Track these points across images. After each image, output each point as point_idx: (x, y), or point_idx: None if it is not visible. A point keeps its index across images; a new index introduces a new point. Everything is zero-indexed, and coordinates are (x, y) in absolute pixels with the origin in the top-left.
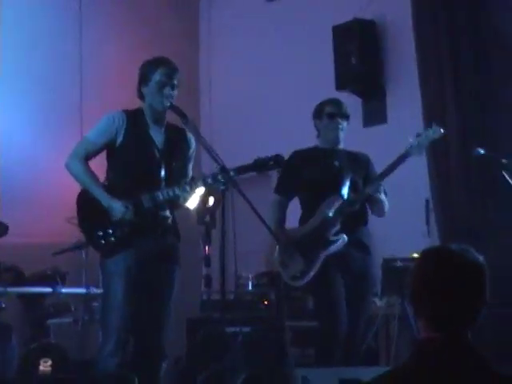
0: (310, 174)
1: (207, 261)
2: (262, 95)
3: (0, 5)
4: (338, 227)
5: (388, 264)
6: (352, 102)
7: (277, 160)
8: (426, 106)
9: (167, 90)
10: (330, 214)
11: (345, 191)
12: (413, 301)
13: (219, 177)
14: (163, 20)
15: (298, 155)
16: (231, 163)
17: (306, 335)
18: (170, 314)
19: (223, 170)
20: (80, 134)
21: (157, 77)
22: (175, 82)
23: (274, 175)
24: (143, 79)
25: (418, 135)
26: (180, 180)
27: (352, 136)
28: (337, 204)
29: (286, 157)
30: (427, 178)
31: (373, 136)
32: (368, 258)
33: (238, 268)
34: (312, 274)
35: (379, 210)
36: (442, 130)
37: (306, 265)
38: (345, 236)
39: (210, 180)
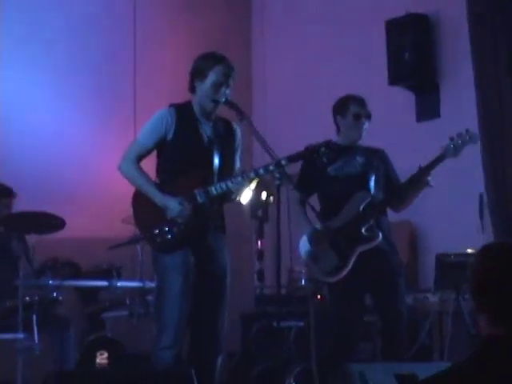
0: (334, 170)
1: (260, 255)
2: (314, 91)
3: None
4: (370, 223)
5: (441, 259)
6: (405, 97)
7: (328, 145)
8: (480, 100)
9: (223, 89)
10: (361, 210)
11: (371, 187)
12: (474, 297)
13: (271, 168)
14: (216, 12)
15: None
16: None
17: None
18: (225, 308)
19: (278, 164)
20: (134, 134)
21: (214, 75)
22: (231, 81)
23: None
24: (198, 74)
25: (454, 138)
26: (230, 172)
27: (405, 131)
28: (366, 200)
29: None
30: (481, 172)
31: (426, 131)
32: (393, 250)
33: (291, 262)
34: (347, 270)
35: (398, 209)
36: (478, 137)
37: (340, 260)
38: (379, 232)
39: (261, 171)
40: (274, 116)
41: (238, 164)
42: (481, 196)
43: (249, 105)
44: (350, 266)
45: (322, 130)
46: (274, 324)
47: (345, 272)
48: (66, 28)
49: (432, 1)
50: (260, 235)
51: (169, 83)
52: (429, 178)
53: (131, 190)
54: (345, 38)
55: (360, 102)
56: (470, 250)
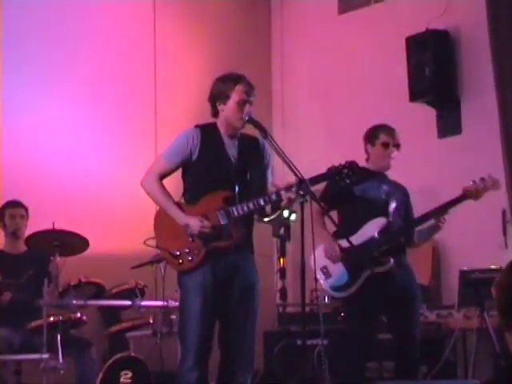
0: (360, 191)
1: (282, 273)
2: (335, 107)
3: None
4: (384, 248)
5: (465, 276)
6: (426, 113)
7: (351, 167)
8: (503, 114)
9: (247, 107)
10: (377, 235)
11: (391, 215)
12: (502, 314)
13: (294, 189)
14: (237, 35)
15: None
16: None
17: (382, 348)
18: (254, 326)
19: (302, 182)
20: (155, 152)
21: (236, 95)
22: (252, 98)
23: None
24: (220, 96)
25: (476, 182)
26: (262, 189)
27: (427, 147)
28: (383, 226)
29: None
30: (504, 188)
31: (447, 147)
32: (409, 274)
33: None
34: (354, 289)
35: (419, 243)
36: (499, 184)
37: (350, 278)
38: (391, 259)
39: (283, 192)
40: (293, 132)
41: (270, 179)
42: (503, 212)
43: (268, 121)
44: (357, 286)
45: (343, 145)
46: (298, 342)
47: (352, 290)
48: (88, 44)
49: (452, 17)
50: (282, 254)
51: (189, 100)
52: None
53: (153, 211)
54: (365, 54)
55: (390, 131)
56: (493, 267)
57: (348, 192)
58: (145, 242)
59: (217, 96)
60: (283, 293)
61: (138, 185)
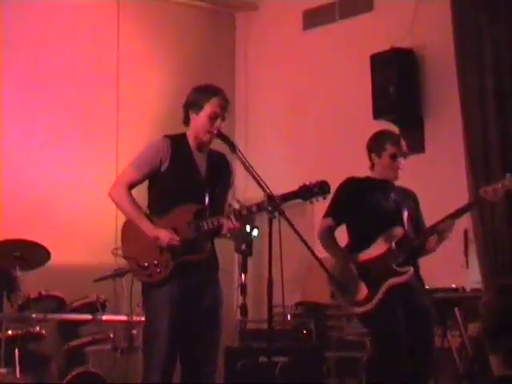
0: (370, 203)
1: (243, 289)
2: (299, 124)
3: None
4: (402, 258)
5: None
6: None
7: (323, 187)
8: (466, 136)
9: (218, 122)
10: (394, 246)
11: (405, 224)
12: (490, 337)
13: (265, 205)
14: (200, 47)
15: (353, 182)
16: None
17: (345, 365)
18: (218, 344)
19: (270, 198)
20: (116, 164)
21: (210, 107)
22: (226, 113)
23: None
24: (194, 105)
25: (492, 183)
26: (222, 207)
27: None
28: (398, 236)
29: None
30: None
31: (410, 165)
32: (424, 290)
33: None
34: (374, 302)
35: (433, 249)
36: None
37: (370, 292)
38: (411, 268)
39: (254, 209)
40: (256, 151)
41: (229, 199)
42: (465, 232)
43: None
44: (377, 299)
45: (307, 162)
46: (260, 359)
47: (372, 305)
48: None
49: (417, 36)
50: (244, 269)
51: (152, 112)
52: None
53: (119, 222)
54: (329, 71)
55: (397, 141)
56: (455, 286)
57: (355, 205)
58: (113, 250)
59: (191, 104)
60: (244, 309)
61: (100, 195)
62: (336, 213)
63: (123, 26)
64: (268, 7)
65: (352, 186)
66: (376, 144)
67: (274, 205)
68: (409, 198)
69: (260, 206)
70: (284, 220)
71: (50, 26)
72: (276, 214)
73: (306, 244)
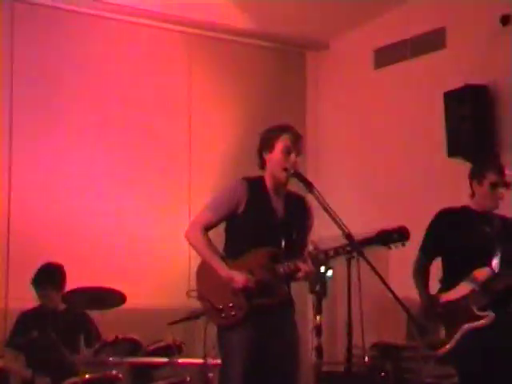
0: (459, 238)
1: (318, 331)
2: (371, 163)
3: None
4: (485, 302)
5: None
6: (464, 169)
7: (402, 233)
8: None
9: (293, 157)
10: (477, 288)
11: (495, 263)
12: None
13: (340, 250)
14: (271, 87)
15: (446, 216)
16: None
17: None
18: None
19: (349, 238)
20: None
21: (281, 143)
22: (299, 147)
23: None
24: (266, 146)
25: None
26: (299, 251)
27: (466, 203)
28: (486, 277)
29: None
30: None
31: None
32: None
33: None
34: (450, 345)
35: None
36: None
37: (447, 335)
38: (492, 313)
39: (332, 253)
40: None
41: (307, 243)
42: None
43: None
44: (454, 343)
45: (379, 200)
46: None
47: (448, 347)
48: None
49: (490, 72)
50: (318, 310)
51: (224, 153)
52: None
53: (193, 261)
54: (402, 109)
55: (499, 170)
56: None
57: (445, 241)
58: (187, 292)
59: (263, 146)
60: (319, 351)
61: (173, 237)
62: (426, 249)
63: (194, 67)
64: (338, 46)
65: (443, 219)
66: (477, 171)
67: (353, 245)
68: (508, 234)
69: (337, 250)
70: (362, 261)
71: (123, 68)
72: (355, 254)
73: (386, 285)
